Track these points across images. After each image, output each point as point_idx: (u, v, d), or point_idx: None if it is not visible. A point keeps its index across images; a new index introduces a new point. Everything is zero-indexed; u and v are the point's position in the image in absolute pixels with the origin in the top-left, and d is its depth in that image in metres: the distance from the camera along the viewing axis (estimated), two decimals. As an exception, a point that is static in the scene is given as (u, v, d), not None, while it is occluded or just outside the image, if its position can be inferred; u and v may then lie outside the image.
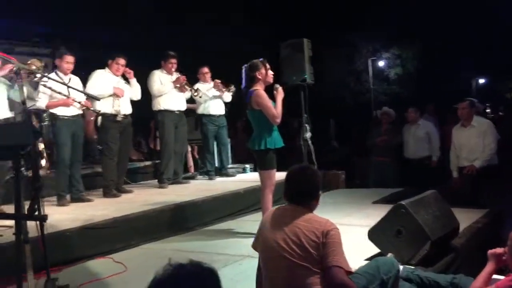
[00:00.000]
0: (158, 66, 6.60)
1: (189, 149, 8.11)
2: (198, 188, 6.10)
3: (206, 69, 7.29)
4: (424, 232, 3.20)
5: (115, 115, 5.72)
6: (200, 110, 7.18)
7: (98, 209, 4.89)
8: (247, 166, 7.89)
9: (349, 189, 7.12)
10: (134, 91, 6.00)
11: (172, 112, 6.49)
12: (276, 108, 4.21)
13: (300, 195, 2.49)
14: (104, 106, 5.68)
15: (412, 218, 3.23)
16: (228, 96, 7.17)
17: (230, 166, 7.75)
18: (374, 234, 3.40)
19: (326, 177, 7.22)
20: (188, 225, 4.85)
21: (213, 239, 4.39)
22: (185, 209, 4.90)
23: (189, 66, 7.44)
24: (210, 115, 7.14)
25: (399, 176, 7.87)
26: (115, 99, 5.72)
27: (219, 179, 7.11)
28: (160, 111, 6.46)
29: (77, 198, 5.46)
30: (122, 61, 5.82)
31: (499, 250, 2.46)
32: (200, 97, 6.86)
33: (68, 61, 5.33)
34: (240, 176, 7.41)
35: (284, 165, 7.53)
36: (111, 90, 5.67)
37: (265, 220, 2.56)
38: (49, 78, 4.70)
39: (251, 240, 4.09)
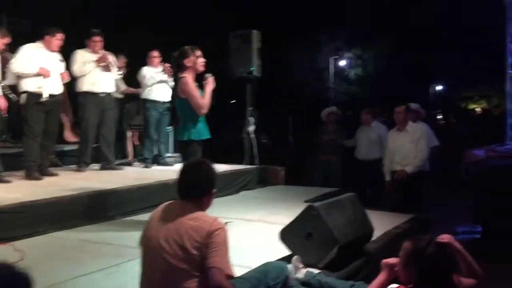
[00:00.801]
0: None
1: (129, 134, 7.85)
2: (128, 176, 5.88)
3: (155, 53, 7.03)
4: (333, 236, 3.13)
5: (39, 95, 5.41)
6: (144, 95, 6.94)
7: (11, 191, 4.60)
8: (188, 156, 7.68)
9: (287, 186, 7.04)
10: None
11: (95, 94, 6.15)
12: (203, 98, 4.04)
13: (190, 189, 2.34)
14: (28, 84, 5.38)
15: (322, 221, 3.15)
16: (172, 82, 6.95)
17: (170, 155, 7.53)
18: (285, 235, 3.30)
19: (265, 172, 7.13)
20: (107, 214, 4.62)
21: (128, 230, 4.18)
22: (105, 197, 4.68)
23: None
24: (154, 101, 6.90)
25: (344, 175, 7.92)
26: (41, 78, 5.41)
27: (155, 167, 6.90)
28: (82, 92, 6.13)
29: (-5, 179, 5.15)
30: (60, 35, 5.49)
31: (392, 260, 2.39)
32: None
33: None
34: (177, 167, 7.20)
35: (231, 159, 7.53)
36: (36, 69, 5.35)
37: (152, 216, 2.40)
38: None
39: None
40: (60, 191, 4.61)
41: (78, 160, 6.43)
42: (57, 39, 5.47)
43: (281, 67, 21.48)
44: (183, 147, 4.11)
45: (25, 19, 8.58)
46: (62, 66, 5.73)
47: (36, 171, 5.52)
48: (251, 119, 7.48)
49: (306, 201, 5.70)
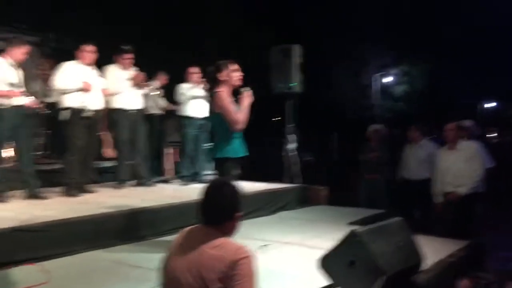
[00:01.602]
0: None
1: (169, 151, 7.77)
2: (163, 194, 5.74)
3: (193, 69, 6.92)
4: (377, 265, 2.81)
5: (82, 110, 5.39)
6: (181, 111, 6.85)
7: (46, 208, 4.55)
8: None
9: (329, 206, 6.71)
10: None
11: (126, 111, 6.08)
12: (240, 113, 3.85)
13: (212, 214, 2.11)
14: (71, 100, 5.37)
15: (365, 249, 2.84)
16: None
17: (209, 172, 7.37)
18: (325, 263, 3.00)
19: (305, 192, 6.83)
20: (139, 234, 4.46)
21: (159, 252, 3.97)
22: (137, 215, 4.52)
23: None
24: (190, 117, 6.79)
25: (390, 195, 7.53)
26: (83, 92, 5.39)
27: (193, 185, 6.74)
28: (114, 110, 6.07)
29: (32, 195, 5.13)
30: (90, 48, 5.48)
31: None
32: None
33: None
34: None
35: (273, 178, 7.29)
36: (79, 84, 5.34)
37: (173, 243, 2.18)
38: None
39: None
40: (94, 209, 4.50)
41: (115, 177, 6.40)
42: (87, 51, 5.44)
43: (325, 83, 21.18)
44: (218, 165, 3.91)
45: (69, 37, 8.71)
46: (101, 81, 5.71)
47: (75, 188, 5.48)
48: (292, 137, 7.23)
49: (350, 223, 5.39)
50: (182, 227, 4.75)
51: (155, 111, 7.33)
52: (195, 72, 6.88)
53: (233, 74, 3.93)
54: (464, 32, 20.82)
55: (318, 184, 7.28)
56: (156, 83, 7.14)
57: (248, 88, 3.94)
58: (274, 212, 6.13)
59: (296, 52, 7.09)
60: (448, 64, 21.41)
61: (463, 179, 5.12)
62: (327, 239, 4.59)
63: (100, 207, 4.61)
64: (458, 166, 5.19)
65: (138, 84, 6.11)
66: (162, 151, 7.82)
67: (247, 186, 6.71)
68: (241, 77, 3.96)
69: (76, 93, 5.37)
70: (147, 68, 6.51)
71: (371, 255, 2.83)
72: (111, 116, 6.18)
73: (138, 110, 6.21)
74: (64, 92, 5.38)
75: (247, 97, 3.92)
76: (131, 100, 6.12)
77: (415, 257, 3.21)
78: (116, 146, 6.34)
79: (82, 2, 10.93)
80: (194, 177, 6.92)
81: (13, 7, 8.73)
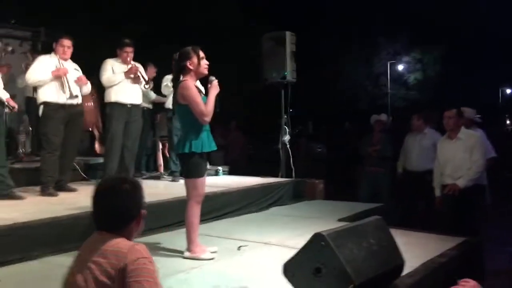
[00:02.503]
0: None
1: (160, 146, 7.51)
2: (147, 192, 5.42)
3: None
4: (346, 272, 2.48)
5: (56, 105, 5.14)
6: (167, 105, 6.58)
7: (15, 209, 4.29)
8: (220, 168, 7.22)
9: (325, 201, 6.37)
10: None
11: (123, 105, 5.86)
12: (206, 105, 3.54)
13: (106, 219, 1.82)
14: (45, 94, 5.13)
15: (333, 254, 2.51)
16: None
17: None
18: (289, 269, 2.69)
19: (301, 186, 6.51)
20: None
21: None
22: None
23: None
24: None
25: (393, 189, 7.19)
26: (58, 82, 5.14)
27: (183, 181, 6.45)
28: (109, 103, 5.86)
29: (5, 195, 4.91)
30: (67, 41, 5.25)
31: None
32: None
33: None
34: (209, 180, 6.69)
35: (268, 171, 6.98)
36: (49, 74, 5.09)
37: (74, 259, 1.89)
38: None
39: (174, 260, 3.47)
40: (64, 210, 4.24)
41: (103, 174, 6.15)
42: (62, 45, 5.22)
43: (334, 73, 20.71)
44: (183, 161, 3.62)
45: (63, 32, 8.51)
46: (79, 75, 5.45)
47: (52, 187, 5.25)
48: (286, 128, 6.90)
49: (339, 220, 5.05)
50: (161, 227, 4.56)
51: (146, 104, 7.08)
52: None
53: (202, 62, 3.62)
54: (482, 17, 20.09)
55: (324, 177, 6.98)
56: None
57: (214, 78, 3.63)
58: (266, 208, 5.85)
59: (289, 39, 6.73)
60: (466, 50, 20.71)
61: (462, 170, 4.72)
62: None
63: (71, 208, 4.34)
64: (458, 157, 4.80)
65: (131, 77, 5.88)
66: (156, 146, 7.58)
67: (238, 181, 6.49)
68: (208, 66, 3.64)
69: (50, 87, 5.14)
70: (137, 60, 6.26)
71: (339, 261, 2.51)
72: (105, 110, 6.00)
73: (134, 105, 5.99)
74: (38, 85, 5.15)
75: (214, 87, 3.61)
76: (128, 94, 5.90)
77: (396, 259, 2.88)
78: (107, 141, 6.11)
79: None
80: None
81: (3, 2, 8.55)
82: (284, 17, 16.02)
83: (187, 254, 3.60)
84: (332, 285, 2.51)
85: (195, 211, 3.60)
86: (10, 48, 7.45)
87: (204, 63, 3.63)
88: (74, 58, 5.53)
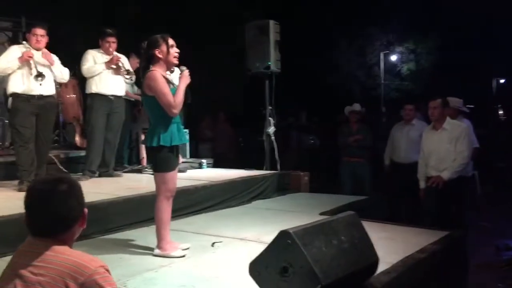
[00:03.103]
0: None
1: (143, 138, 7.32)
2: (123, 185, 5.30)
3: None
4: (313, 272, 2.34)
5: (26, 96, 4.97)
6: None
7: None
8: (204, 161, 7.06)
9: (310, 194, 6.24)
10: (57, 71, 5.25)
11: (104, 96, 5.71)
12: (175, 96, 3.38)
13: (46, 225, 1.66)
14: (14, 85, 4.95)
15: (300, 253, 2.37)
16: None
17: (183, 160, 6.92)
18: (255, 268, 2.54)
19: (285, 179, 6.37)
20: (84, 232, 4.02)
21: (106, 252, 3.56)
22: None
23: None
24: None
25: (376, 179, 7.12)
26: (26, 71, 4.94)
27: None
28: (90, 94, 5.72)
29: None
30: (40, 31, 5.06)
31: None
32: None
33: None
34: (192, 173, 6.55)
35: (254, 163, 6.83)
36: (16, 62, 4.90)
37: (6, 267, 1.73)
38: None
39: (144, 257, 3.32)
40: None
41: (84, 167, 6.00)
42: (34, 33, 5.04)
43: (327, 64, 20.51)
44: (151, 155, 3.46)
45: (45, 21, 8.28)
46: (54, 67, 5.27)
47: (28, 181, 5.08)
48: (271, 120, 6.74)
49: (321, 213, 4.92)
50: (137, 223, 4.40)
51: (128, 97, 6.90)
52: None
53: (171, 50, 3.45)
54: (475, 6, 19.90)
55: (315, 169, 6.89)
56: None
57: (184, 68, 3.47)
58: (249, 201, 5.71)
59: (273, 28, 6.55)
60: (458, 41, 20.53)
61: (447, 162, 4.58)
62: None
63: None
64: (443, 148, 4.66)
65: (113, 68, 5.73)
66: (139, 139, 7.40)
67: (221, 174, 6.34)
68: (178, 55, 3.47)
69: (17, 77, 4.96)
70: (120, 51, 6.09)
71: (306, 260, 2.36)
72: (86, 101, 5.86)
73: (116, 96, 5.85)
74: (5, 74, 4.99)
75: (185, 77, 3.45)
76: (109, 85, 5.77)
77: (369, 256, 2.74)
78: (88, 133, 5.96)
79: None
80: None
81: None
82: (273, 6, 15.78)
83: (157, 251, 3.46)
84: (299, 285, 2.36)
85: (164, 207, 3.45)
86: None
87: (174, 51, 3.46)
88: (59, 48, 5.39)
